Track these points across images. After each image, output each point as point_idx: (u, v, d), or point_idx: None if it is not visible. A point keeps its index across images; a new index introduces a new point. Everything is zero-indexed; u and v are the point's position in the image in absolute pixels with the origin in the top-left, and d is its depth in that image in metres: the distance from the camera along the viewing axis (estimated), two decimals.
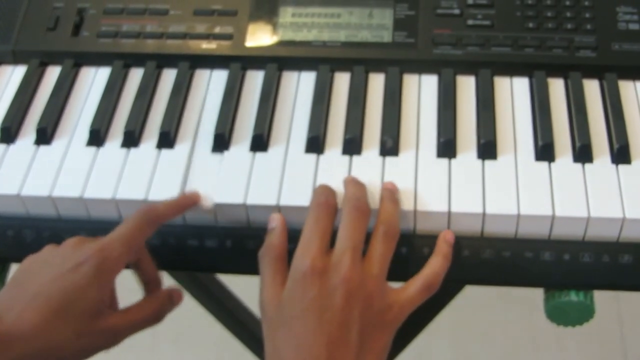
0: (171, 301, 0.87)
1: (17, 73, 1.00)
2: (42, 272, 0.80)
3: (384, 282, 0.80)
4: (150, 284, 0.88)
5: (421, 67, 0.96)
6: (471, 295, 1.19)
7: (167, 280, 0.91)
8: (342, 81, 0.96)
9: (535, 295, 0.92)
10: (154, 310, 0.86)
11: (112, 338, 0.82)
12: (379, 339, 0.78)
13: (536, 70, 0.94)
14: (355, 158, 0.89)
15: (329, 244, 0.80)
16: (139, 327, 0.84)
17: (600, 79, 0.95)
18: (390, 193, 0.84)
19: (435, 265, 0.82)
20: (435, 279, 0.82)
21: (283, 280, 0.80)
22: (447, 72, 0.95)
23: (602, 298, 0.86)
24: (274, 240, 0.83)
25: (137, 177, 0.89)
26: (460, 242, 0.85)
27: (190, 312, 1.25)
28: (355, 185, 0.84)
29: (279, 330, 0.78)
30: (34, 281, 0.80)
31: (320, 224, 0.80)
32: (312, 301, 0.76)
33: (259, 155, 0.90)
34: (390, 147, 0.89)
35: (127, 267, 0.86)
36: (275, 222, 0.84)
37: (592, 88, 0.94)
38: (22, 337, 0.76)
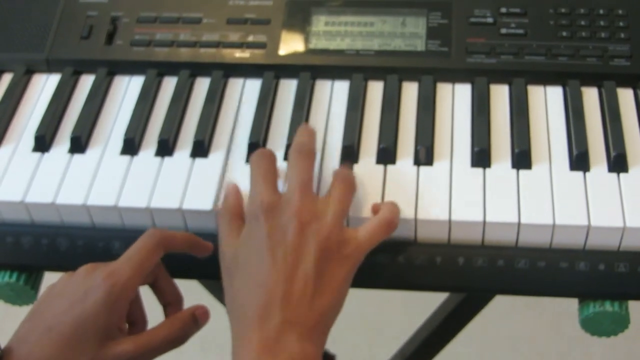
0: (195, 321, 0.84)
1: (50, 82, 1.01)
2: (55, 303, 0.81)
3: (341, 220, 0.79)
4: (170, 305, 0.87)
5: (455, 75, 0.96)
6: (498, 303, 1.19)
7: (196, 287, 0.90)
8: (375, 90, 0.96)
9: (562, 303, 0.91)
10: (175, 332, 0.83)
11: None
12: (337, 273, 0.77)
13: (570, 79, 0.94)
14: (389, 167, 0.89)
15: (276, 185, 0.81)
16: (159, 351, 0.82)
17: (635, 88, 0.94)
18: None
19: (391, 206, 0.83)
20: (394, 216, 0.82)
21: (239, 235, 0.80)
22: (481, 80, 0.95)
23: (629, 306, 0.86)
24: (230, 200, 0.84)
25: (172, 186, 0.89)
26: (495, 252, 0.85)
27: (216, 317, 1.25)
28: (302, 133, 0.86)
29: (236, 275, 0.77)
30: (48, 313, 0.80)
31: (261, 167, 0.82)
32: (265, 239, 0.76)
33: None
34: (424, 156, 0.89)
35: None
36: (229, 189, 0.85)
37: (626, 97, 0.93)
38: None
